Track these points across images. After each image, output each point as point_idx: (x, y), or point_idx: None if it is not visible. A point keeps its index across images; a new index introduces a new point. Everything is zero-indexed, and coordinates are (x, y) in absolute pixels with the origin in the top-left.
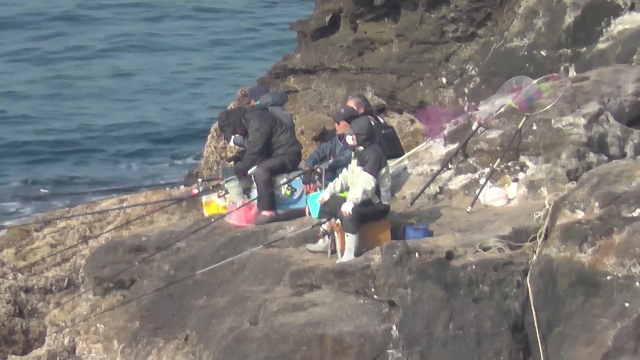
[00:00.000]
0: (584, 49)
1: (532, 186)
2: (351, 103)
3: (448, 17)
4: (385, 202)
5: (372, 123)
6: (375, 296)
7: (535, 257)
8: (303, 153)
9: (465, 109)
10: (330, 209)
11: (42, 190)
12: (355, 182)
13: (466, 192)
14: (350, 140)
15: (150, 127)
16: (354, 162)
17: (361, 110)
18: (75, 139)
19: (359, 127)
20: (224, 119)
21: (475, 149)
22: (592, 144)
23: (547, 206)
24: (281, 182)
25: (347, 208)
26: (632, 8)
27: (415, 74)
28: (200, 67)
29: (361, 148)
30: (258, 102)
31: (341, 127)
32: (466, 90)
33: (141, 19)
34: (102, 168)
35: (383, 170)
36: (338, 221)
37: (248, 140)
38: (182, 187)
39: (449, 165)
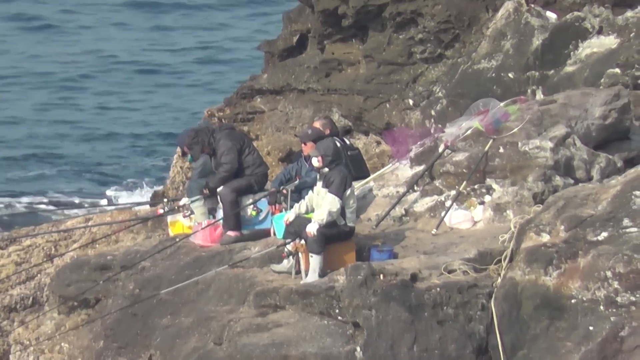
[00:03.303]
0: (552, 71)
1: (498, 209)
2: (317, 124)
3: (416, 39)
4: (350, 224)
5: (338, 144)
6: (339, 317)
7: (500, 279)
8: (269, 174)
9: (432, 131)
10: (295, 229)
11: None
12: (321, 204)
13: (432, 214)
14: (315, 161)
15: None
16: (320, 183)
17: (327, 132)
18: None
19: (324, 149)
20: (192, 136)
21: (441, 171)
22: (558, 167)
23: (513, 229)
24: (247, 202)
25: (312, 229)
26: (599, 31)
27: (382, 95)
28: None
29: (326, 170)
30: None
31: (308, 148)
32: (433, 112)
33: None
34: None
35: (348, 192)
36: (303, 242)
37: (221, 161)
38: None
39: (415, 188)
